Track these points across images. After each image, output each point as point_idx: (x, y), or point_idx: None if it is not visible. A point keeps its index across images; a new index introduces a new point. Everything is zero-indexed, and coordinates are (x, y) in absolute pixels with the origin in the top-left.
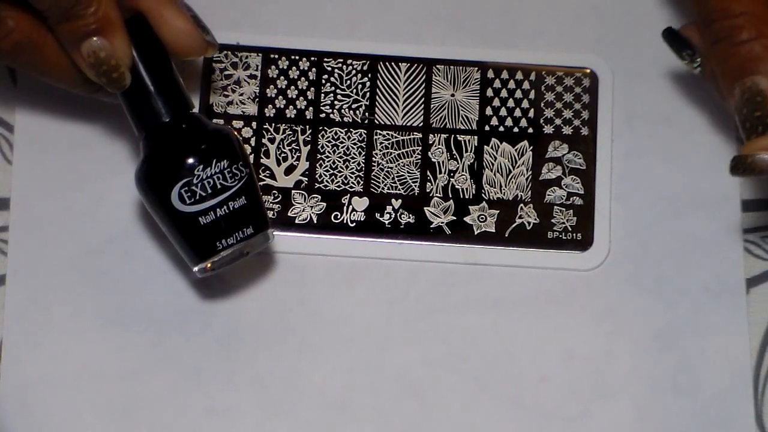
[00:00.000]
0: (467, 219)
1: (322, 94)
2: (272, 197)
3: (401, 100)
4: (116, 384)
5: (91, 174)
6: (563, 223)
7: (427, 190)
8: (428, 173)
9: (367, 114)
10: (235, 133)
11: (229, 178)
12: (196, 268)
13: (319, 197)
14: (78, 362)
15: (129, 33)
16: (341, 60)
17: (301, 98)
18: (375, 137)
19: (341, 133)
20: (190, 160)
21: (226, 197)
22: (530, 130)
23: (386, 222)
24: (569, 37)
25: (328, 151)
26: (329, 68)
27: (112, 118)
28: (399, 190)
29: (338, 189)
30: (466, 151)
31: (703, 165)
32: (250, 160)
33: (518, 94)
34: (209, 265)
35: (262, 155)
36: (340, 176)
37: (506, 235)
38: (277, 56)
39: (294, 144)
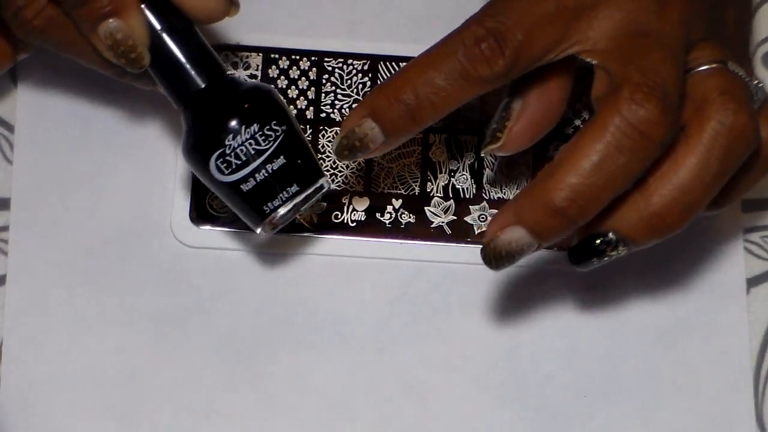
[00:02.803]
0: (468, 219)
1: (323, 94)
2: None
3: None
4: (116, 384)
5: (90, 173)
6: None
7: (428, 190)
8: (428, 173)
9: None
10: (272, 88)
11: (262, 141)
12: (257, 231)
13: (320, 197)
14: (78, 362)
15: (150, 5)
16: (341, 60)
17: (302, 98)
18: None
19: None
20: (221, 132)
21: (262, 161)
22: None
23: (386, 222)
24: None
25: (329, 151)
26: (329, 68)
27: (112, 118)
28: (399, 189)
29: (338, 189)
30: (467, 151)
31: None
32: (291, 113)
33: None
34: (267, 227)
35: None
36: (341, 176)
37: None
38: (277, 56)
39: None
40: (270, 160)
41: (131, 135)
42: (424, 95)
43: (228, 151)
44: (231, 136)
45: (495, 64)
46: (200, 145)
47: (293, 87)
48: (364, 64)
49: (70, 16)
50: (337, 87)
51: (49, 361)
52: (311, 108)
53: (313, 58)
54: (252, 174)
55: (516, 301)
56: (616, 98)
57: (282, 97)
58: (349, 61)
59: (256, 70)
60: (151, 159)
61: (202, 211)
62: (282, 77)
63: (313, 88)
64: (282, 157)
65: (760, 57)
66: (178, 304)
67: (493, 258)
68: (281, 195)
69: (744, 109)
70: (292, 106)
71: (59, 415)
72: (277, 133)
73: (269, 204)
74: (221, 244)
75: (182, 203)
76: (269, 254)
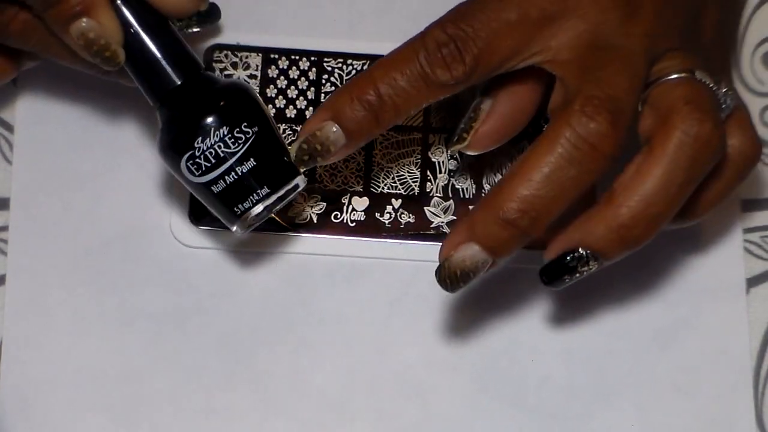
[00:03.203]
0: None
1: (323, 94)
2: None
3: None
4: (116, 384)
5: (90, 174)
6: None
7: (427, 190)
8: (428, 173)
9: None
10: (248, 86)
11: (231, 144)
12: (232, 230)
13: (319, 197)
14: (78, 362)
15: (123, 2)
16: (341, 60)
17: (301, 98)
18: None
19: None
20: (194, 131)
21: (231, 164)
22: (530, 129)
23: (386, 222)
24: None
25: None
26: (329, 68)
27: (112, 118)
28: (399, 189)
29: (338, 189)
30: None
31: None
32: (267, 112)
33: None
34: (241, 226)
35: None
36: (340, 176)
37: None
38: (277, 56)
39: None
40: (240, 162)
41: (131, 135)
42: (387, 96)
43: (197, 153)
44: (200, 138)
45: (455, 69)
46: (174, 144)
47: (293, 87)
48: (363, 64)
49: (42, 19)
50: (337, 87)
51: (49, 361)
52: (311, 108)
53: (312, 58)
54: (222, 176)
55: (515, 302)
56: (567, 111)
57: (258, 95)
58: (349, 61)
59: (256, 70)
60: (151, 159)
61: (202, 211)
62: (281, 77)
63: (312, 88)
64: (252, 159)
65: (760, 57)
66: (178, 304)
67: (448, 278)
68: (251, 197)
69: (709, 118)
70: (291, 106)
71: (59, 414)
72: (248, 135)
73: (240, 206)
74: (221, 244)
75: (181, 203)
76: (268, 254)
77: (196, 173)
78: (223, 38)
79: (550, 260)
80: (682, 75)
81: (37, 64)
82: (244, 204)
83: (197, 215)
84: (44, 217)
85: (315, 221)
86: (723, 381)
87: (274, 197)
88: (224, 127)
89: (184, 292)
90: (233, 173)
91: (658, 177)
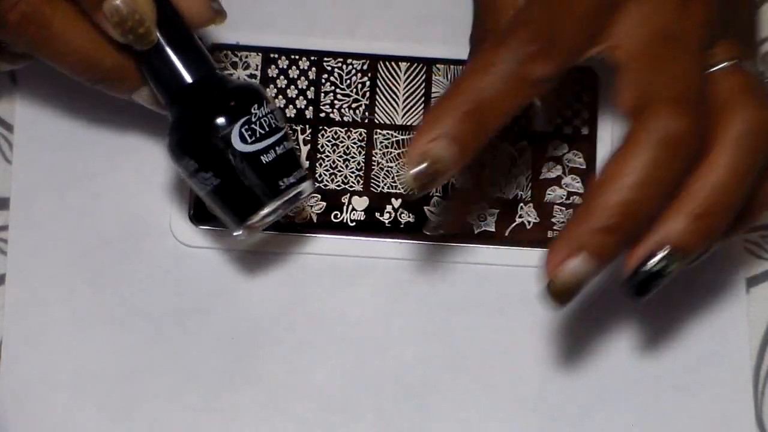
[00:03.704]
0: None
1: (322, 94)
2: None
3: (401, 99)
4: (116, 384)
5: (90, 173)
6: (563, 222)
7: None
8: None
9: (366, 113)
10: (260, 87)
11: (279, 119)
12: (235, 233)
13: (319, 197)
14: (77, 361)
15: None
16: (341, 59)
17: (301, 97)
18: (375, 136)
19: (341, 132)
20: (207, 128)
21: (281, 136)
22: (530, 129)
23: (386, 221)
24: None
25: (328, 151)
26: (329, 68)
27: (112, 117)
28: (399, 189)
29: (338, 188)
30: None
31: None
32: None
33: None
34: (252, 225)
35: None
36: (340, 175)
37: (506, 235)
38: (276, 56)
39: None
40: (286, 137)
41: (131, 134)
42: (489, 102)
43: (254, 119)
44: (256, 105)
45: (547, 64)
46: (182, 143)
47: (292, 87)
48: (363, 63)
49: None
50: (337, 87)
51: (49, 360)
52: (311, 108)
53: (312, 58)
54: (273, 146)
55: (515, 301)
56: (649, 112)
57: (270, 97)
58: (349, 61)
59: (256, 69)
60: (151, 158)
61: (202, 210)
62: (281, 77)
63: (312, 88)
64: (292, 140)
65: (760, 56)
66: (178, 304)
67: (561, 294)
68: (295, 173)
69: (765, 105)
70: (291, 106)
71: (58, 413)
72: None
73: (285, 179)
74: (221, 244)
75: (181, 203)
76: (269, 254)
77: (249, 140)
78: (223, 38)
79: (634, 269)
80: (732, 62)
81: (19, 67)
82: (289, 178)
83: (197, 215)
84: (44, 217)
85: (315, 221)
86: (723, 381)
87: (303, 185)
88: (269, 105)
89: (184, 292)
90: (282, 145)
91: (725, 166)
